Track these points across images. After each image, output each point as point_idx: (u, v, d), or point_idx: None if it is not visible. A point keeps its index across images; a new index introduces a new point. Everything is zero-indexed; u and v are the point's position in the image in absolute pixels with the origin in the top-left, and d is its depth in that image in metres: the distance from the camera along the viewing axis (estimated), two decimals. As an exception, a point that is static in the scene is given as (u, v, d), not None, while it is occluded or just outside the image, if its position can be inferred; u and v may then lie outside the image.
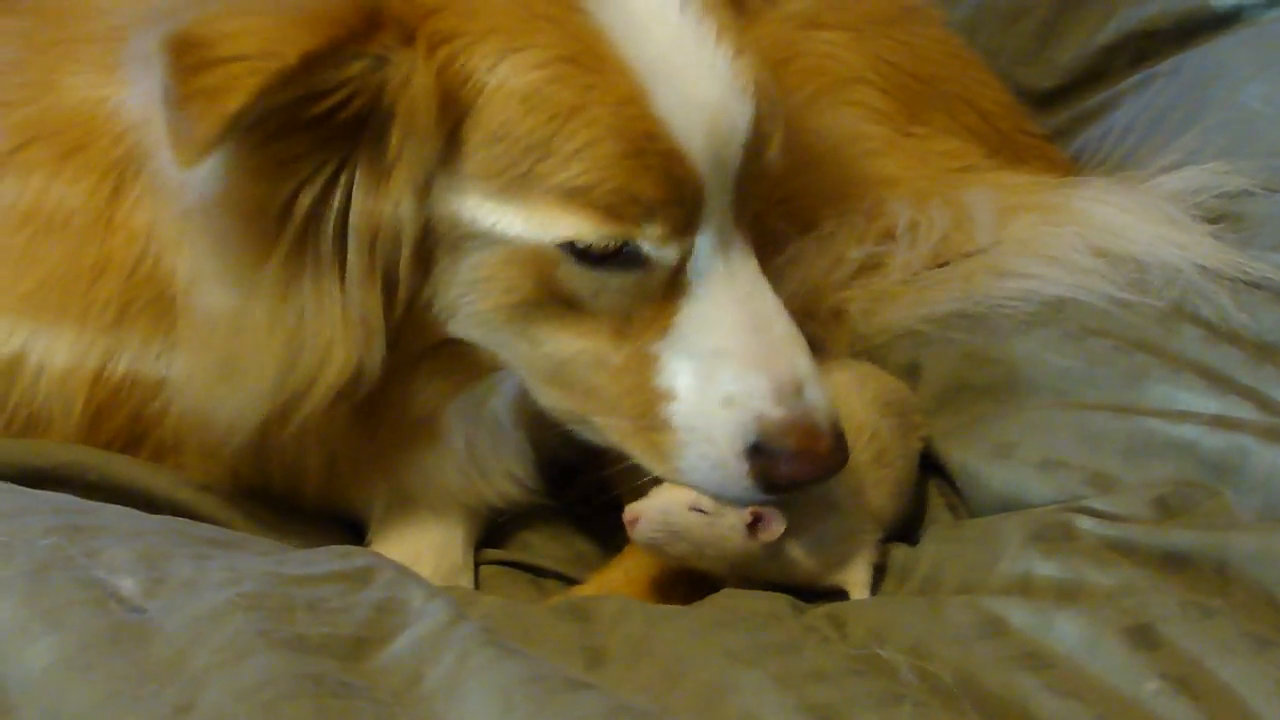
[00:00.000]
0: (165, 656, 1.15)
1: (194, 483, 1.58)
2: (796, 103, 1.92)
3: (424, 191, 1.37)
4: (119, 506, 1.44)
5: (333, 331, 1.40)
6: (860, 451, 1.50)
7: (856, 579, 1.48)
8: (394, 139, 1.34)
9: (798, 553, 1.45)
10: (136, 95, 1.46)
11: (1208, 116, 2.04)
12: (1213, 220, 1.82)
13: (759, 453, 1.39)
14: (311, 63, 1.27)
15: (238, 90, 1.24)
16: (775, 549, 1.43)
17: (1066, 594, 1.36)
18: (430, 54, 1.33)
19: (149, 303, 1.53)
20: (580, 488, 1.65)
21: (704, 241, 1.40)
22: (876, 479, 1.53)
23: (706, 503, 1.41)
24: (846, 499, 1.48)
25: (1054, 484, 1.53)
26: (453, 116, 1.35)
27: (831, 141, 1.92)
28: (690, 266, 1.40)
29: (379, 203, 1.36)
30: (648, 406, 1.41)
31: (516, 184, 1.35)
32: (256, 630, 1.17)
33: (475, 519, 1.65)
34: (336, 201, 1.36)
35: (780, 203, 1.85)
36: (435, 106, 1.33)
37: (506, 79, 1.34)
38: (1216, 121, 2.01)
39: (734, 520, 1.42)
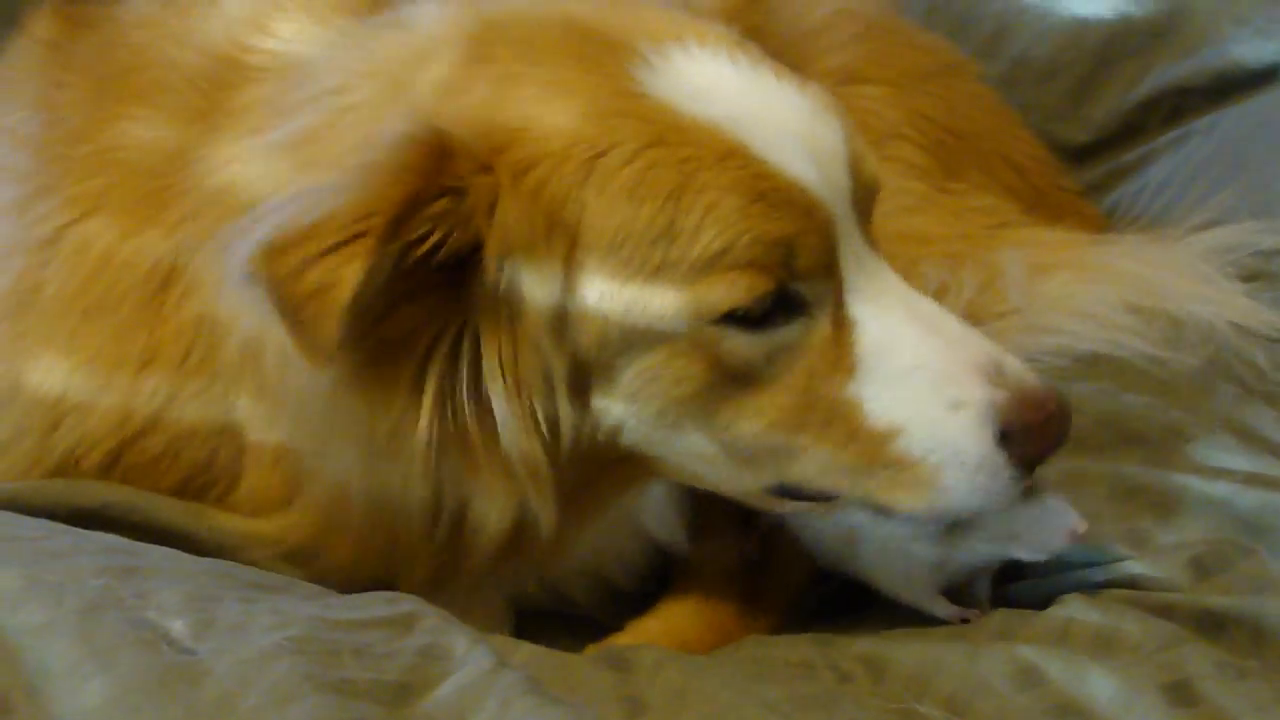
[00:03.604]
0: (214, 698, 1.16)
1: (236, 528, 1.57)
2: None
3: (559, 325, 1.34)
4: (165, 548, 1.45)
5: (490, 490, 1.38)
6: None
7: None
8: (501, 273, 1.31)
9: None
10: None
11: (1243, 174, 2.05)
12: (1247, 279, 1.83)
13: (1006, 439, 1.35)
14: (401, 220, 1.25)
15: (345, 280, 1.23)
16: None
17: (1103, 643, 1.36)
18: (516, 182, 1.30)
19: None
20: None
21: (850, 267, 1.37)
22: None
23: None
24: None
25: (1088, 538, 1.54)
26: (564, 240, 1.32)
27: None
28: (847, 298, 1.37)
29: (514, 353, 1.33)
30: (874, 452, 1.37)
31: (655, 278, 1.32)
32: (303, 674, 1.19)
33: None
34: (464, 368, 1.33)
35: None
36: (540, 232, 1.31)
37: (605, 185, 1.31)
38: (1251, 180, 2.02)
39: None
